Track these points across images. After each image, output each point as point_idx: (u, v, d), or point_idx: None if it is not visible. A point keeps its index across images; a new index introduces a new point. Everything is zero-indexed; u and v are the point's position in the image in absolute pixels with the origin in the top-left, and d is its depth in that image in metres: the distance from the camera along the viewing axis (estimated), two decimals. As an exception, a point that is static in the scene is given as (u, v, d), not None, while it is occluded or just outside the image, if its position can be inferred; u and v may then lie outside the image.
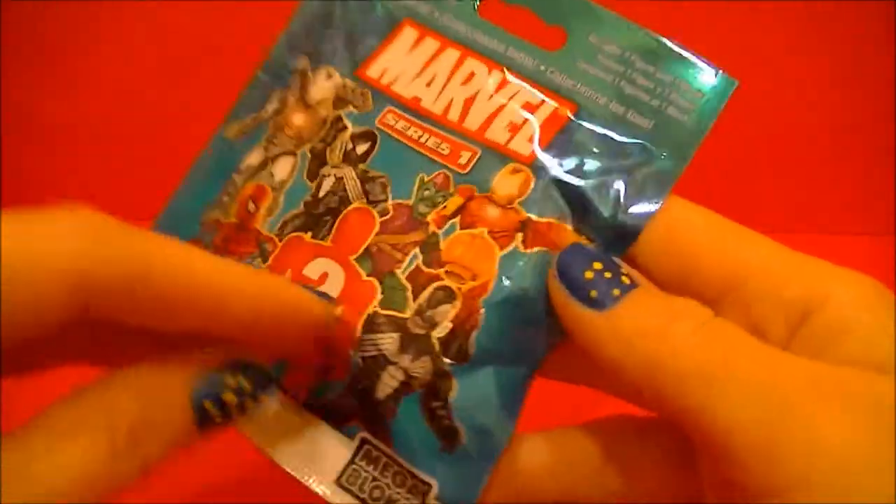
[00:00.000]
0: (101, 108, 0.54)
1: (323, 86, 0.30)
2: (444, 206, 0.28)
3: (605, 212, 0.27)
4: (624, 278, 0.25)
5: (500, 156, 0.28)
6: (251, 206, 0.29)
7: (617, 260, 0.26)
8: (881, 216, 0.54)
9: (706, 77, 0.29)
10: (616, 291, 0.25)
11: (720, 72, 0.29)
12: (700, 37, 0.54)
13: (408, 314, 0.27)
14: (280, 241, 0.28)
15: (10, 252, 0.19)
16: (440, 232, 0.27)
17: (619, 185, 0.27)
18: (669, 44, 0.29)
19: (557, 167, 0.28)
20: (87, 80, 0.54)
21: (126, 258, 0.20)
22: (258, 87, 0.32)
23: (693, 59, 0.29)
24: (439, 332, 0.26)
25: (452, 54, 0.30)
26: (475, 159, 0.28)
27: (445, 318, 0.26)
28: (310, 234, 0.28)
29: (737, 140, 0.54)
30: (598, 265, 0.25)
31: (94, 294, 0.20)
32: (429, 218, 0.28)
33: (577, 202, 0.27)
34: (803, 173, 0.55)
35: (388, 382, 0.26)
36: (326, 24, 0.31)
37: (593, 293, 0.25)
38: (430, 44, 0.30)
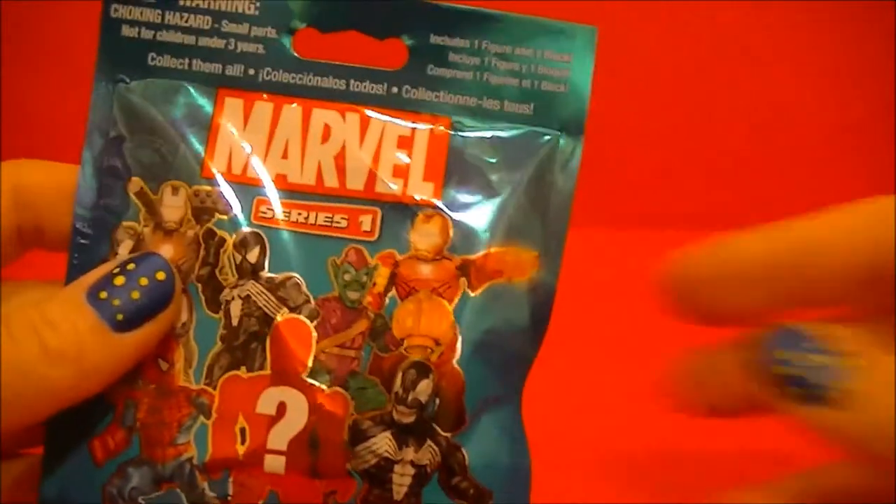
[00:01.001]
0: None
1: (174, 204, 0.26)
2: (374, 284, 0.26)
3: (534, 221, 0.26)
4: (845, 359, 0.21)
5: (403, 208, 0.26)
6: (163, 365, 0.26)
7: (820, 329, 0.22)
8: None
9: (565, 37, 0.27)
10: (844, 377, 0.21)
11: (576, 25, 0.27)
12: (700, 37, 0.54)
13: (389, 407, 0.25)
14: (215, 388, 0.25)
15: None
16: (382, 312, 0.25)
17: (531, 188, 0.26)
18: (514, 16, 0.26)
19: (467, 195, 0.26)
20: (87, 80, 0.54)
21: None
22: (93, 225, 0.27)
23: (544, 22, 0.27)
24: (430, 411, 0.25)
25: (293, 111, 0.26)
26: (379, 221, 0.26)
27: (428, 394, 0.25)
28: (243, 368, 0.25)
29: (737, 140, 0.54)
30: (809, 343, 0.22)
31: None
32: (364, 302, 0.25)
33: (501, 224, 0.26)
34: (803, 173, 0.54)
35: (402, 482, 0.25)
36: (137, 131, 0.27)
37: (815, 384, 0.21)
38: (263, 108, 0.27)
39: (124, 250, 0.26)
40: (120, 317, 0.24)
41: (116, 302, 0.24)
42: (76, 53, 0.54)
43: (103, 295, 0.24)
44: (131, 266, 0.25)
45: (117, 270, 0.24)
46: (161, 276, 0.25)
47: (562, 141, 0.26)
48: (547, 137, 0.26)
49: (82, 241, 0.27)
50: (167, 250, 0.26)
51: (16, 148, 0.55)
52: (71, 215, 0.27)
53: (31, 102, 0.54)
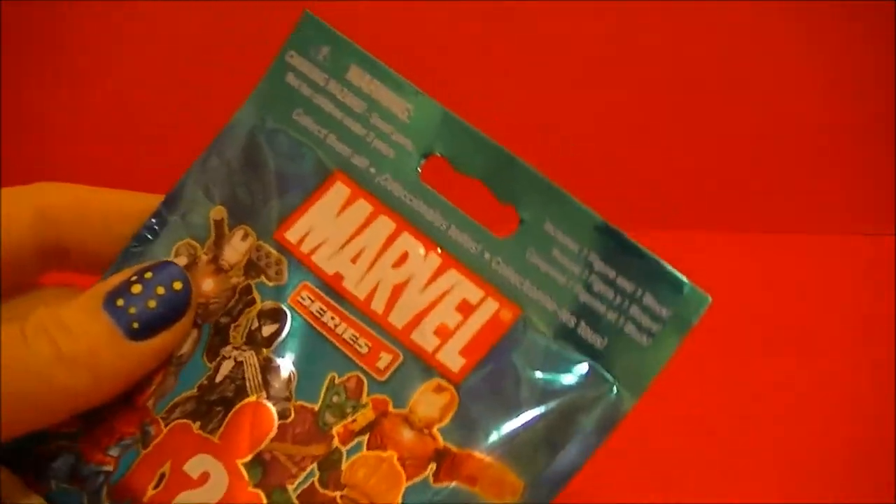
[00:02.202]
0: (101, 107, 0.54)
1: (238, 248, 0.26)
2: (354, 420, 0.24)
3: (540, 455, 0.24)
4: None
5: (424, 366, 0.25)
6: (144, 380, 0.25)
7: None
8: (881, 216, 0.54)
9: (674, 290, 0.24)
10: None
11: (691, 285, 0.24)
12: (700, 37, 0.54)
13: None
14: (166, 426, 0.25)
15: None
16: (344, 449, 0.24)
17: (555, 419, 0.24)
18: (637, 245, 0.24)
19: (488, 394, 0.24)
20: (87, 80, 0.54)
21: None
22: (165, 226, 0.27)
23: (661, 265, 0.24)
24: None
25: (386, 224, 0.26)
26: (395, 365, 0.25)
27: None
28: (198, 423, 0.25)
29: (737, 140, 0.54)
30: None
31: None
32: (334, 430, 0.24)
33: (506, 437, 0.24)
34: (803, 173, 0.54)
35: None
36: (248, 167, 0.27)
37: None
38: (363, 207, 0.26)
39: (178, 262, 0.26)
40: (135, 325, 0.24)
41: (132, 310, 0.24)
42: (76, 53, 0.54)
43: (120, 302, 0.24)
44: (149, 275, 0.25)
45: (135, 278, 0.24)
46: (178, 285, 0.25)
47: (615, 391, 0.24)
48: (603, 381, 0.24)
49: (148, 235, 0.27)
50: (208, 284, 0.26)
51: (16, 148, 0.55)
52: (94, 237, 0.27)
53: (31, 102, 0.54)
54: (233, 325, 0.26)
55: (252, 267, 0.26)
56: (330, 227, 0.26)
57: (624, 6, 0.52)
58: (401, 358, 0.25)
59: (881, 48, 0.52)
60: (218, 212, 0.27)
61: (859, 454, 0.42)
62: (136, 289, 0.24)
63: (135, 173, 0.54)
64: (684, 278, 0.24)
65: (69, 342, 0.23)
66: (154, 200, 0.28)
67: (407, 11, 0.52)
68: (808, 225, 0.54)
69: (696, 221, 0.53)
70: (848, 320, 0.48)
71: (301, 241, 0.26)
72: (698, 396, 0.44)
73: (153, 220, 0.27)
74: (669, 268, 0.24)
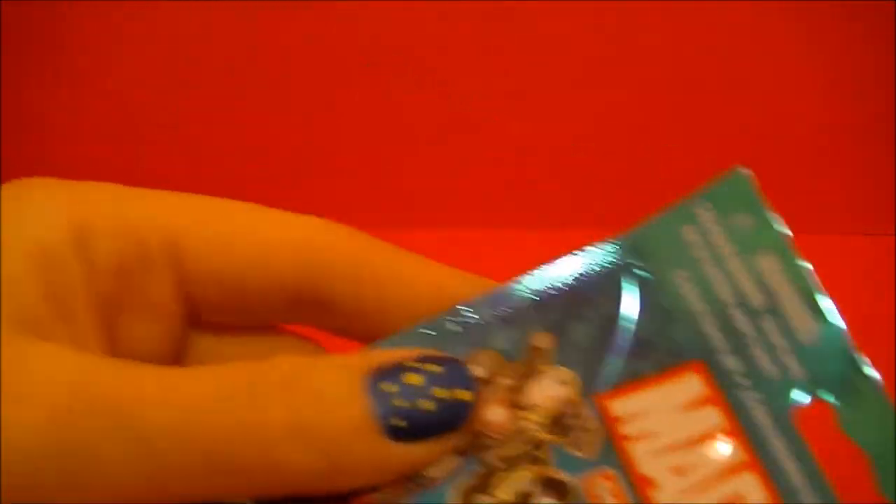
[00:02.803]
0: (101, 107, 0.54)
1: (550, 391, 0.21)
2: None
3: None
4: None
5: None
6: None
7: None
8: (881, 216, 0.54)
9: None
10: None
11: None
12: (700, 37, 0.54)
13: None
14: None
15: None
16: None
17: None
18: None
19: None
20: (87, 80, 0.54)
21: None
22: (475, 322, 0.22)
23: None
24: None
25: (732, 451, 0.21)
26: None
27: None
28: None
29: (737, 140, 0.54)
30: None
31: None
32: None
33: None
34: (803, 173, 0.54)
35: None
36: (598, 307, 0.22)
37: None
38: (711, 417, 0.21)
39: (473, 371, 0.21)
40: (398, 423, 0.19)
41: (400, 403, 0.19)
42: (76, 54, 0.54)
43: (388, 388, 0.19)
44: (434, 368, 0.20)
45: (415, 366, 0.20)
46: (465, 396, 0.20)
47: None
48: None
49: (450, 323, 0.22)
50: (497, 413, 0.21)
51: (16, 148, 0.55)
52: (370, 301, 0.22)
53: (31, 102, 0.54)
54: (501, 474, 0.21)
55: (557, 422, 0.21)
56: (666, 420, 0.21)
57: (624, 6, 0.52)
58: None
59: (881, 48, 0.52)
60: (544, 339, 0.22)
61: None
62: (413, 379, 0.19)
63: (135, 173, 0.54)
64: None
65: (314, 414, 0.18)
66: (471, 287, 0.22)
67: (406, 11, 0.52)
68: (807, 225, 0.54)
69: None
70: (848, 320, 0.48)
71: (626, 419, 0.21)
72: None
73: (464, 309, 0.22)
74: None
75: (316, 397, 0.18)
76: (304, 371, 0.19)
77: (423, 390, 0.19)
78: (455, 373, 0.20)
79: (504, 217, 0.54)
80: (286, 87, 0.53)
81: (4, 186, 0.20)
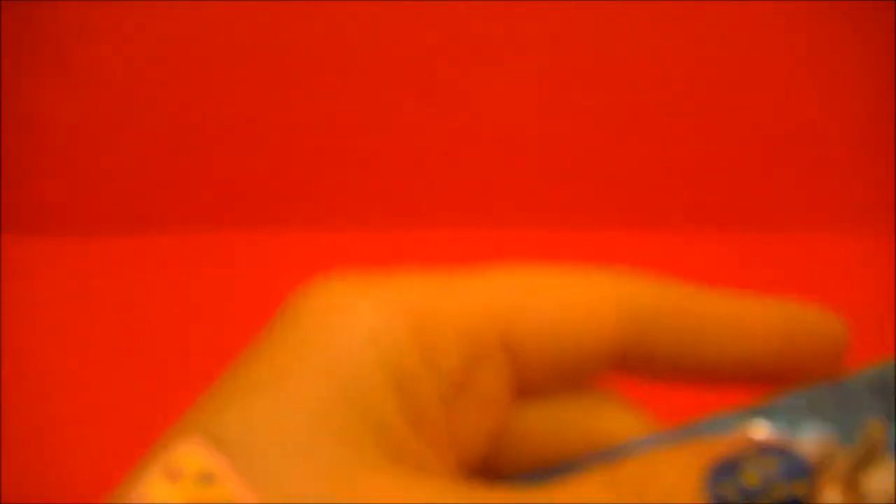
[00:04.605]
0: (101, 108, 0.54)
1: (885, 483, 0.20)
2: None
3: None
4: None
5: None
6: None
7: None
8: (881, 216, 0.54)
9: None
10: None
11: None
12: (700, 37, 0.54)
13: None
14: None
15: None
16: None
17: None
18: None
19: None
20: (87, 81, 0.54)
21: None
22: (815, 408, 0.21)
23: None
24: None
25: None
26: None
27: None
28: None
29: (737, 140, 0.54)
30: None
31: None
32: None
33: None
34: (803, 173, 0.55)
35: None
36: None
37: None
38: None
39: (812, 455, 0.20)
40: None
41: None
42: (76, 54, 0.54)
43: (726, 490, 0.18)
44: (770, 465, 0.19)
45: (751, 466, 0.19)
46: (801, 490, 0.19)
47: None
48: None
49: (792, 409, 0.21)
50: (836, 498, 0.20)
51: (16, 148, 0.55)
52: (692, 354, 0.22)
53: (31, 102, 0.54)
54: None
55: None
56: None
57: (624, 6, 0.52)
58: None
59: (881, 48, 0.52)
60: (877, 428, 0.21)
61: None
62: (752, 480, 0.18)
63: (135, 173, 0.54)
64: None
65: None
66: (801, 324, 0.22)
67: (406, 12, 0.52)
68: (808, 225, 0.54)
69: (693, 221, 0.53)
70: (847, 320, 0.48)
71: None
72: (698, 397, 0.44)
73: (805, 394, 0.21)
74: None
75: (662, 494, 0.18)
76: (651, 477, 0.18)
77: (760, 488, 0.18)
78: (793, 465, 0.19)
79: (503, 217, 0.54)
80: (286, 88, 0.53)
81: (317, 288, 0.20)
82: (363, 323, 0.19)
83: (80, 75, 0.54)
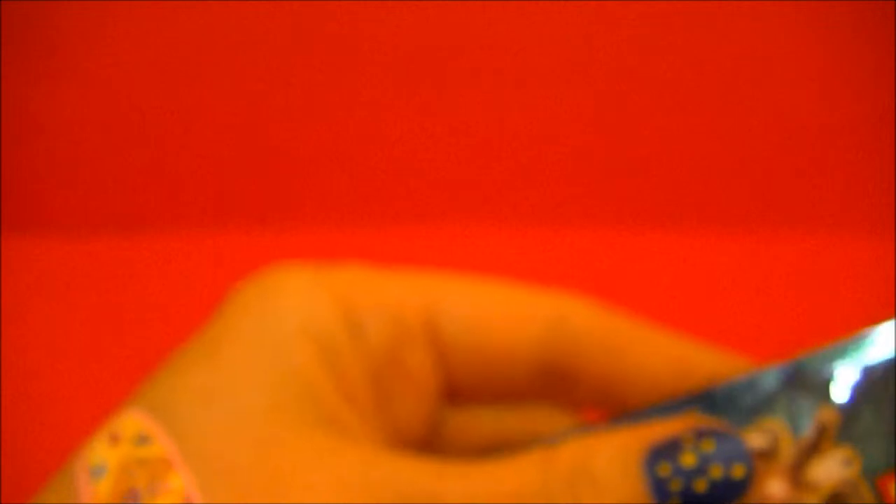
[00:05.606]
0: (101, 108, 0.54)
1: (832, 471, 0.20)
2: None
3: None
4: None
5: None
6: None
7: None
8: (881, 216, 0.54)
9: None
10: None
11: None
12: (700, 37, 0.54)
13: None
14: None
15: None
16: None
17: None
18: None
19: None
20: (88, 81, 0.54)
21: None
22: (750, 404, 0.21)
23: None
24: None
25: None
26: None
27: None
28: None
29: (737, 139, 0.54)
30: None
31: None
32: None
33: None
34: (803, 173, 0.54)
35: None
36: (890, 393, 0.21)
37: None
38: None
39: (752, 442, 0.20)
40: None
41: (676, 486, 0.18)
42: (77, 53, 0.54)
43: (663, 471, 0.18)
44: (707, 446, 0.19)
45: (688, 446, 0.19)
46: (739, 472, 0.19)
47: None
48: None
49: (721, 397, 0.21)
50: (776, 487, 0.19)
51: (16, 148, 0.55)
52: (617, 374, 0.22)
53: (31, 102, 0.54)
54: None
55: (835, 503, 0.20)
56: None
57: (624, 6, 0.52)
58: None
59: (881, 48, 0.52)
60: (829, 415, 0.21)
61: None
62: (688, 460, 0.19)
63: (135, 173, 0.54)
64: None
65: (593, 498, 0.18)
66: (716, 360, 0.22)
67: (405, 11, 0.52)
68: (808, 224, 0.54)
69: (693, 220, 0.53)
70: (848, 320, 0.48)
71: None
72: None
73: (731, 387, 0.21)
74: None
75: (597, 488, 0.18)
76: (585, 459, 0.19)
77: (697, 469, 0.19)
78: (729, 445, 0.19)
79: (503, 217, 0.54)
80: (287, 87, 0.53)
81: (256, 277, 0.21)
82: (294, 300, 0.21)
83: (80, 75, 0.54)
